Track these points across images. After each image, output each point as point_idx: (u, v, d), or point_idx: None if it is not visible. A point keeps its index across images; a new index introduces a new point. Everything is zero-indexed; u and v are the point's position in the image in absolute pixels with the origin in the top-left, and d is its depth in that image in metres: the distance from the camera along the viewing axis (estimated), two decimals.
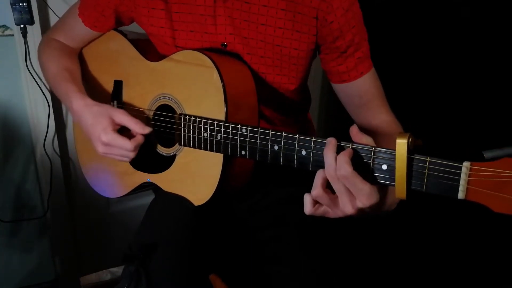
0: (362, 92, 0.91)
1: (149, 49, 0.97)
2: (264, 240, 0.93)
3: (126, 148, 0.85)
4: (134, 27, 1.04)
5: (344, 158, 0.61)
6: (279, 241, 0.90)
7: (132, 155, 0.87)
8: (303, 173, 0.98)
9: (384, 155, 0.61)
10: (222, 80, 0.80)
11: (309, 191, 0.69)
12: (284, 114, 0.98)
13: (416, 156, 0.57)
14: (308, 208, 0.66)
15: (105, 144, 0.86)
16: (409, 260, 1.67)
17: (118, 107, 1.00)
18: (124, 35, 1.01)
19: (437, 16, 1.52)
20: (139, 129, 0.86)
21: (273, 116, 0.96)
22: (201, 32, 0.88)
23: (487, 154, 0.64)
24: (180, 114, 0.87)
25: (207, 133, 0.82)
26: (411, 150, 0.58)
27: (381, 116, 0.90)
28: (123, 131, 0.88)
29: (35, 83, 1.42)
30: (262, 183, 0.97)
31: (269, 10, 0.84)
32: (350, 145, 0.64)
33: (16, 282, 1.61)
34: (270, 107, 0.94)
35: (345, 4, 0.83)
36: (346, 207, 0.64)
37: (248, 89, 0.86)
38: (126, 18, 0.98)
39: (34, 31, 1.39)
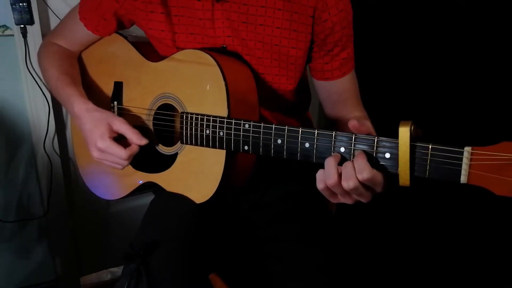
0: (341, 91, 0.96)
1: (150, 51, 0.98)
2: (264, 238, 0.93)
3: (120, 156, 0.87)
4: (134, 30, 1.05)
5: (363, 160, 0.64)
6: (280, 240, 0.91)
7: (125, 163, 0.89)
8: (303, 170, 1.00)
9: (387, 144, 0.62)
10: (224, 78, 0.81)
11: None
12: (283, 114, 0.99)
13: (418, 143, 0.59)
14: (320, 186, 0.69)
15: (100, 150, 0.88)
16: (409, 259, 1.67)
17: (118, 108, 1.00)
18: (125, 37, 1.02)
19: (434, 10, 1.54)
20: (136, 139, 0.87)
21: (272, 116, 0.97)
22: (201, 34, 0.89)
23: None
24: (182, 112, 0.87)
25: (209, 130, 0.83)
26: (413, 138, 0.59)
27: (355, 112, 0.95)
28: (120, 139, 0.89)
29: (35, 83, 1.43)
30: (263, 180, 0.98)
31: (266, 11, 0.86)
32: (353, 136, 0.66)
33: (16, 282, 1.60)
34: (269, 108, 0.95)
35: (340, 5, 0.86)
36: (360, 198, 0.68)
37: (249, 87, 0.87)
38: (127, 21, 0.98)
39: (34, 31, 1.39)
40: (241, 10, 0.86)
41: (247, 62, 0.90)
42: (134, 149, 0.88)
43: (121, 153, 0.86)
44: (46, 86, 1.45)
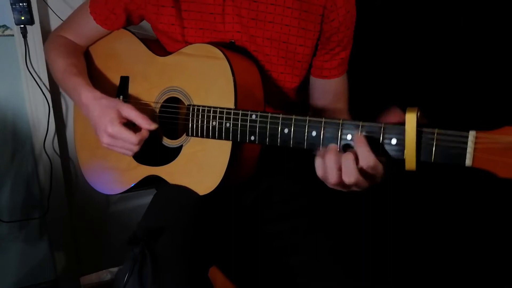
0: (337, 91, 0.98)
1: (157, 47, 0.99)
2: (276, 232, 0.93)
3: (130, 141, 0.87)
4: (140, 27, 1.06)
5: (366, 146, 0.65)
6: (296, 232, 0.91)
7: (135, 149, 0.89)
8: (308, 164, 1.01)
9: (394, 130, 0.64)
10: (232, 70, 0.82)
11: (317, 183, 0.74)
12: (285, 113, 1.00)
13: (424, 129, 0.61)
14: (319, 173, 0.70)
15: (110, 136, 0.87)
16: (409, 258, 1.68)
17: (123, 101, 1.01)
18: (132, 33, 1.03)
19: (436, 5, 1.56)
20: (145, 124, 0.87)
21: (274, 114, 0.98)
22: (210, 29, 0.91)
23: None
24: (189, 105, 0.88)
25: (216, 122, 0.83)
26: (419, 124, 0.61)
27: (343, 116, 0.96)
28: (129, 127, 0.89)
29: (35, 83, 1.43)
30: (268, 174, 0.99)
31: (276, 8, 0.88)
32: (360, 123, 0.68)
33: (16, 282, 1.60)
34: (273, 105, 0.96)
35: (347, 6, 0.88)
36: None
37: (255, 82, 0.88)
38: (136, 17, 0.99)
39: (34, 31, 1.40)
40: (251, 7, 0.88)
41: (253, 58, 0.91)
42: (144, 134, 0.88)
43: (131, 138, 0.86)
44: (46, 86, 1.46)
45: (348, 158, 0.66)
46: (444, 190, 1.61)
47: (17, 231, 1.56)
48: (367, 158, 0.65)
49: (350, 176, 0.66)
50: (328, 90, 0.98)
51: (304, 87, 1.03)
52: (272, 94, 0.93)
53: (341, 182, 0.68)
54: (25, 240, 1.58)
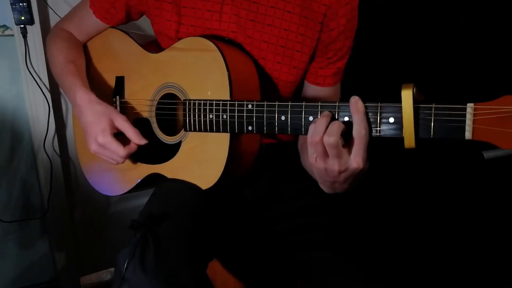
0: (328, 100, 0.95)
1: (151, 44, 0.99)
2: (289, 229, 0.92)
3: (118, 153, 0.88)
4: (132, 26, 1.06)
5: (362, 114, 0.64)
6: (314, 229, 0.90)
7: (121, 161, 0.90)
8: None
9: (391, 109, 0.64)
10: (226, 62, 0.82)
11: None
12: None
13: (421, 105, 0.60)
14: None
15: (99, 145, 0.88)
16: (408, 259, 1.67)
17: (120, 102, 1.00)
18: (126, 33, 1.02)
19: None
20: (136, 139, 0.88)
21: None
22: (203, 27, 0.90)
23: (487, 154, 0.67)
24: (185, 100, 0.88)
25: (212, 114, 0.83)
26: (416, 100, 0.60)
27: None
28: (119, 135, 0.90)
29: (35, 83, 1.43)
30: (271, 168, 0.98)
31: (276, 12, 0.87)
32: None
33: (16, 281, 1.59)
34: None
35: (349, 15, 0.86)
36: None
37: (249, 71, 0.87)
38: (136, 12, 0.99)
39: (34, 31, 1.41)
40: (251, 8, 0.87)
41: (246, 51, 0.90)
42: (132, 147, 0.89)
43: (119, 151, 0.87)
44: (46, 86, 1.47)
45: (335, 122, 0.66)
46: (445, 191, 1.60)
47: (17, 231, 1.55)
48: (359, 125, 0.64)
49: (331, 135, 0.64)
50: (319, 97, 0.96)
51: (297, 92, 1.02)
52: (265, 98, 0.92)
53: (323, 149, 0.66)
54: (25, 240, 1.57)
